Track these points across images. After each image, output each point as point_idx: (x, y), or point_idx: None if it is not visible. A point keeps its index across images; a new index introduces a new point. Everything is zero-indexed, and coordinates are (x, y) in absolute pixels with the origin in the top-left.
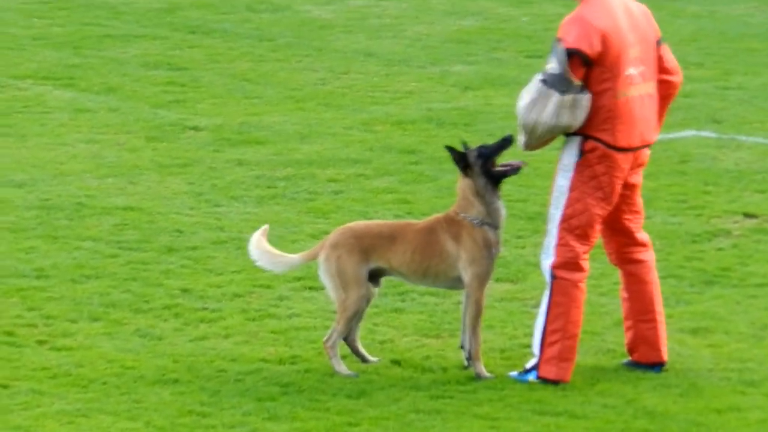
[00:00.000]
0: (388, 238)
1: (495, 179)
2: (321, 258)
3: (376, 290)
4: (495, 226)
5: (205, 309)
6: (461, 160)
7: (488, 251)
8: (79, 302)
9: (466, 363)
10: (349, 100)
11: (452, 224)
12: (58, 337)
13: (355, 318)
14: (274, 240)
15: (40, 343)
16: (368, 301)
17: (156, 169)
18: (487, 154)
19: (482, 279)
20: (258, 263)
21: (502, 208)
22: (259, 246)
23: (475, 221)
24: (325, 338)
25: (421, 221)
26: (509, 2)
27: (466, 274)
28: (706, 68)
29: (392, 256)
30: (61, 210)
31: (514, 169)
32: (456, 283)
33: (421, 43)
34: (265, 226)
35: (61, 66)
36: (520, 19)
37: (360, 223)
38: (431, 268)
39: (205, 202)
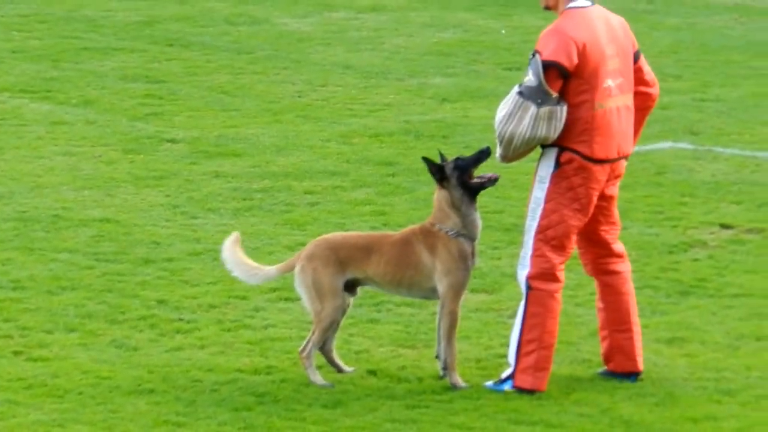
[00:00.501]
0: (364, 249)
1: (471, 191)
2: (297, 269)
3: (351, 300)
4: (471, 238)
5: (181, 320)
6: (438, 171)
7: (464, 263)
8: (55, 313)
9: (441, 373)
10: (327, 112)
11: (428, 235)
12: (34, 348)
13: (330, 328)
14: (249, 252)
15: (16, 353)
16: (344, 311)
17: (133, 181)
18: (464, 166)
19: (457, 290)
20: (233, 273)
21: (478, 220)
22: (234, 256)
23: (450, 233)
24: (300, 348)
25: (397, 233)
26: (488, 15)
27: (441, 285)
28: (684, 80)
29: (368, 267)
30: (37, 222)
31: (491, 181)
32: (432, 293)
33: (400, 56)
34: (236, 234)
35: (39, 79)
36: (498, 31)
37: (336, 235)
38: (406, 279)
39: (181, 214)
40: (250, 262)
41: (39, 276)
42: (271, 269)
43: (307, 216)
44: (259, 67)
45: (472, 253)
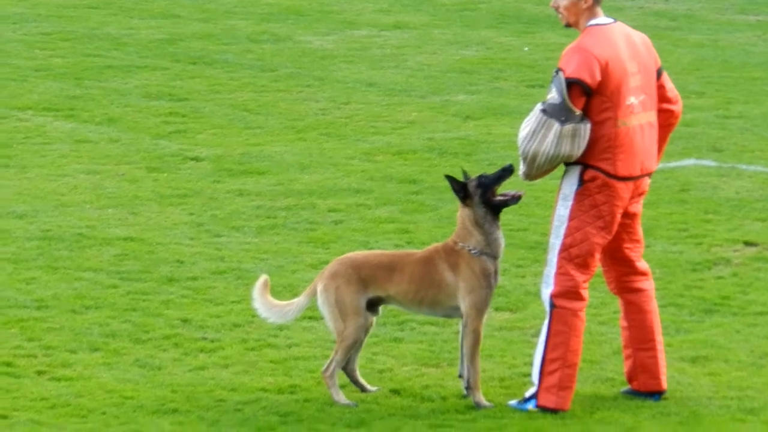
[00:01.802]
0: (387, 267)
1: (494, 209)
2: (320, 288)
3: (374, 319)
4: (494, 256)
5: (205, 339)
6: (461, 189)
7: (486, 281)
8: (78, 333)
9: (465, 392)
10: (350, 130)
11: (450, 254)
12: (58, 368)
13: (353, 347)
14: (273, 270)
15: (40, 373)
16: (367, 330)
17: (156, 199)
18: (487, 183)
19: (480, 309)
20: (270, 320)
21: (501, 238)
22: (264, 302)
23: (473, 251)
24: (323, 368)
25: (420, 251)
26: (511, 32)
27: (464, 304)
28: (707, 97)
29: (390, 286)
30: (61, 241)
31: (514, 199)
32: (454, 312)
33: (423, 73)
34: (264, 278)
35: (63, 97)
36: (521, 48)
37: (359, 253)
38: (429, 298)
39: (205, 232)
40: (279, 302)
41: (63, 295)
42: (301, 298)
43: (330, 234)
44: (283, 84)
45: (495, 272)
